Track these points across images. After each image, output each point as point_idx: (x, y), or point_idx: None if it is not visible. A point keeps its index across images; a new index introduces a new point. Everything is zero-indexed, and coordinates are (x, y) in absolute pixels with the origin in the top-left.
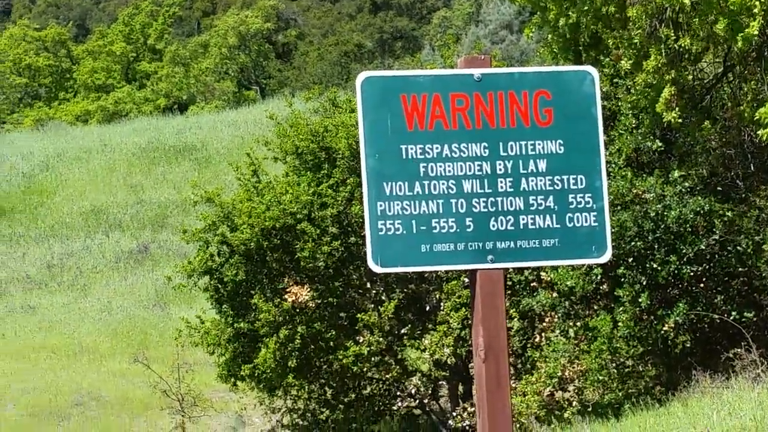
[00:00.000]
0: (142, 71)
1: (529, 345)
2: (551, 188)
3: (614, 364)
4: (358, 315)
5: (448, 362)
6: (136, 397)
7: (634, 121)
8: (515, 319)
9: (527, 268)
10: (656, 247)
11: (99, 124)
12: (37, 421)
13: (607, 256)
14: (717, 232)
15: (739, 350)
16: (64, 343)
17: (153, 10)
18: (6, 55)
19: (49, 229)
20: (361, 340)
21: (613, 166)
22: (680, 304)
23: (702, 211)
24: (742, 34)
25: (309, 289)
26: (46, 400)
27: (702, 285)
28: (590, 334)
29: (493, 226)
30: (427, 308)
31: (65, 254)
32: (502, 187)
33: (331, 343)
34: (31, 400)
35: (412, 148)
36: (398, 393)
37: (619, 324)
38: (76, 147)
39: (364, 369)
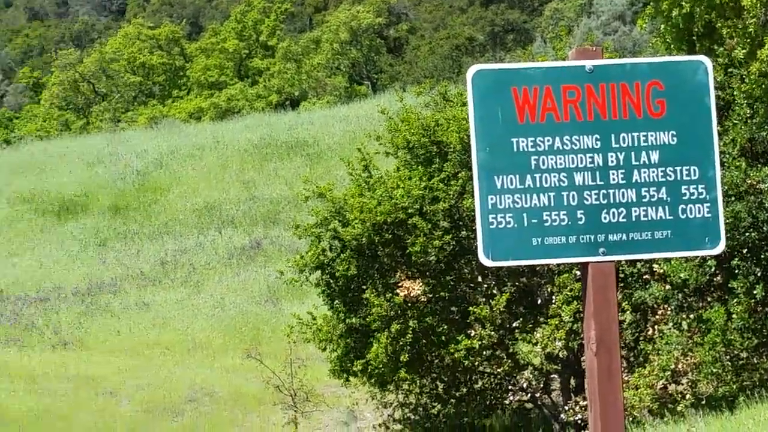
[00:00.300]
0: (255, 68)
1: (641, 338)
2: (664, 180)
3: (728, 357)
4: (470, 309)
5: (560, 356)
6: (249, 393)
7: (748, 111)
8: (627, 312)
9: (639, 261)
10: None
11: (212, 121)
12: (152, 417)
13: (720, 248)
14: None
15: None
16: (177, 339)
17: (265, 7)
18: (121, 54)
19: (163, 226)
20: (472, 334)
21: (727, 156)
22: None
23: None
24: None
25: (420, 284)
26: (160, 395)
27: None
28: (704, 327)
29: (605, 218)
30: (539, 301)
31: (178, 251)
32: (614, 179)
33: (443, 337)
34: (145, 396)
35: (523, 141)
36: (510, 387)
37: (734, 316)
38: (189, 144)
39: (476, 363)
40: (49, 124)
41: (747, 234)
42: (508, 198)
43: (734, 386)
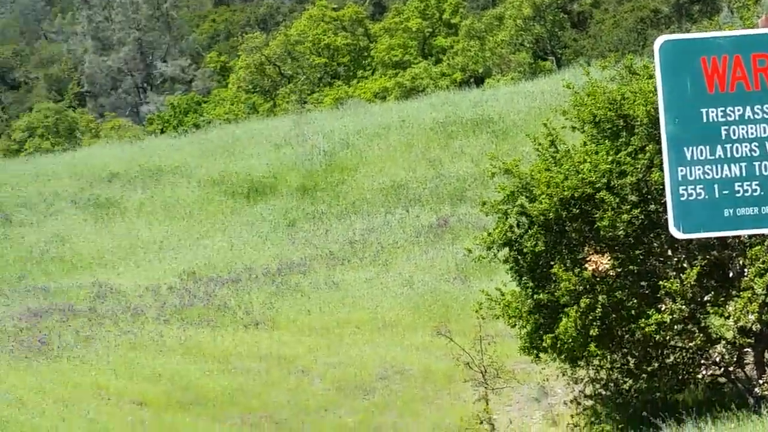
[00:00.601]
0: (438, 46)
1: None
2: None
3: None
4: (660, 282)
5: (753, 329)
6: (439, 370)
7: None
8: None
9: None
10: None
11: (397, 101)
12: (343, 396)
13: None
14: None
15: None
16: (367, 317)
17: None
18: (306, 36)
19: (351, 205)
20: (663, 308)
21: None
22: None
23: None
24: None
25: (609, 258)
26: (352, 374)
27: None
28: None
29: None
30: (731, 274)
31: (366, 230)
32: None
33: (633, 312)
34: (336, 375)
35: (712, 112)
36: (702, 361)
37: None
38: (374, 124)
39: (667, 337)
40: (236, 108)
41: None
42: (698, 169)
43: None
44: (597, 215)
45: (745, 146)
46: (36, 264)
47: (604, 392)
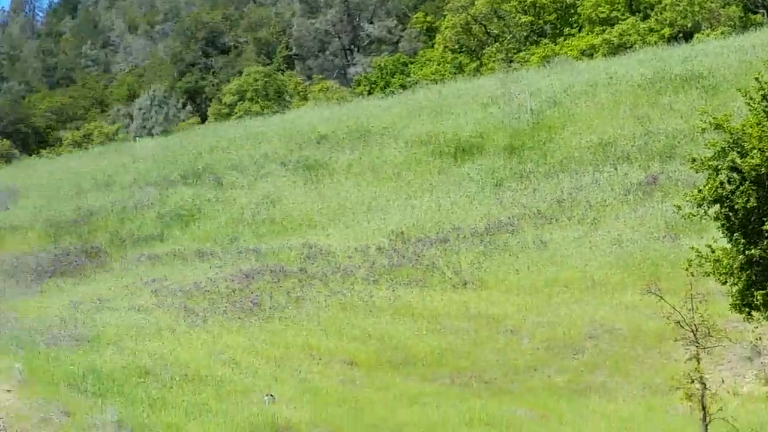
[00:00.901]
0: (646, 2)
1: None
2: None
3: None
4: None
5: None
6: (649, 329)
7: None
8: None
9: None
10: None
11: (604, 58)
12: (552, 355)
13: None
14: None
15: None
16: (575, 276)
17: None
18: None
19: (558, 164)
20: None
21: None
22: None
23: None
24: None
25: None
26: (560, 333)
27: None
28: None
29: None
30: None
31: (574, 188)
32: None
33: None
34: (545, 334)
35: None
36: None
37: None
38: (582, 81)
39: None
40: (443, 68)
41: None
42: None
43: None
44: None
45: None
46: (247, 226)
47: None
